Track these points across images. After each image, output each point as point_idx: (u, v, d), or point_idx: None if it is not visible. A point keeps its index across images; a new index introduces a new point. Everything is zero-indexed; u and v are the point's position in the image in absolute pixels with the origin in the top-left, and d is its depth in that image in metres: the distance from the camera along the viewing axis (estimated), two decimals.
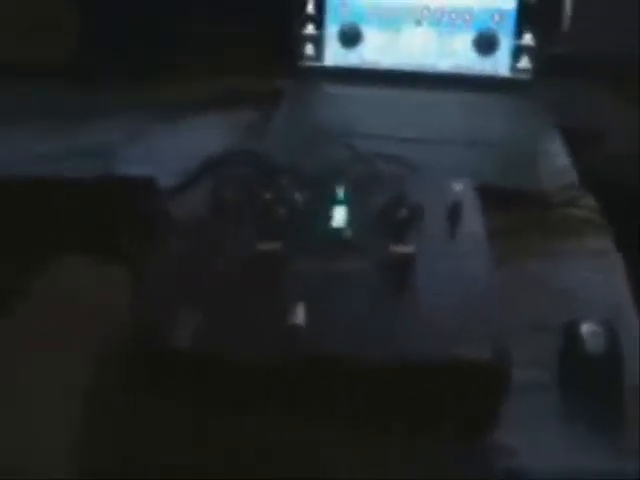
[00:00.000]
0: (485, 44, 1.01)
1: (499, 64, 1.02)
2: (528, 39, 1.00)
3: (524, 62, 1.01)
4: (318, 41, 1.04)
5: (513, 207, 0.82)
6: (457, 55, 1.02)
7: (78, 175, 0.88)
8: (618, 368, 0.64)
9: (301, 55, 1.04)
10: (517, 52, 1.00)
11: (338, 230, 0.68)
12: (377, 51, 1.03)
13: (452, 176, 0.80)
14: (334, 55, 1.04)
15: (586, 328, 0.66)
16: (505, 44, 1.01)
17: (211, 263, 0.65)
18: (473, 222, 0.70)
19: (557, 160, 0.91)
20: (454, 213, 0.70)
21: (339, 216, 0.70)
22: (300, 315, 0.59)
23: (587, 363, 0.64)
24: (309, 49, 1.04)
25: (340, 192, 0.73)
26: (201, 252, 0.67)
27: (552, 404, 0.63)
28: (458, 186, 0.75)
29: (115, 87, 1.05)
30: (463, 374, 0.57)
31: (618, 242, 0.80)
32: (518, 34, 1.00)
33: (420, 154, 0.88)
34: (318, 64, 1.04)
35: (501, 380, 0.57)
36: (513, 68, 1.01)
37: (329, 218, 0.70)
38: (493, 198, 0.78)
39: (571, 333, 0.67)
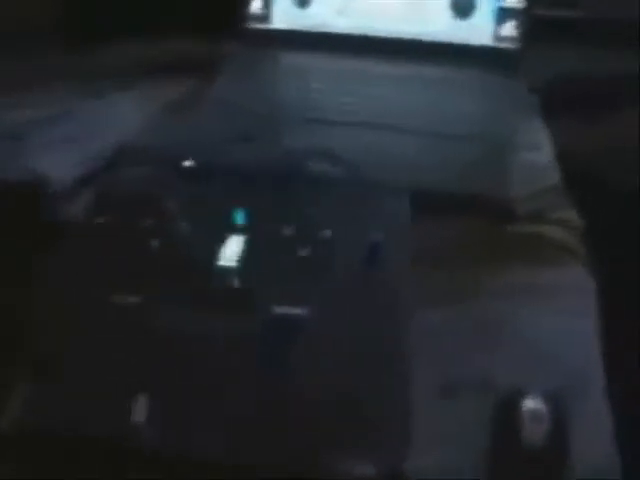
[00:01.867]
0: (463, 5, 0.83)
1: (478, 30, 0.84)
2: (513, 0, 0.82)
3: (508, 28, 0.83)
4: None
5: (467, 221, 0.67)
6: (429, 19, 0.85)
7: None
8: (560, 464, 0.50)
9: (246, 15, 0.88)
10: (501, 16, 0.83)
11: (225, 272, 0.55)
12: (334, 12, 0.86)
13: (393, 178, 0.66)
14: (284, 15, 0.88)
15: (527, 406, 0.52)
16: (486, 6, 0.83)
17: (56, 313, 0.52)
18: (396, 259, 0.56)
19: (537, 156, 0.75)
20: (373, 251, 0.56)
21: (231, 251, 0.57)
22: (142, 408, 0.46)
23: (520, 452, 0.51)
24: (255, 7, 0.88)
25: (237, 216, 0.59)
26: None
27: None
28: (388, 204, 0.60)
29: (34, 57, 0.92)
30: None
31: (598, 276, 0.64)
32: None
33: (364, 146, 0.72)
34: (265, 26, 0.88)
35: None
36: (495, 35, 0.84)
37: (217, 254, 0.56)
38: (440, 210, 0.64)
39: (507, 410, 0.53)
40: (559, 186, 0.71)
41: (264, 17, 0.88)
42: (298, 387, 0.47)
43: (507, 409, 0.52)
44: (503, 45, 0.83)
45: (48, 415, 0.47)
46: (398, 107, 0.79)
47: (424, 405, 0.49)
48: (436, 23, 0.84)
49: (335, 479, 0.43)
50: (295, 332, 0.49)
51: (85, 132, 0.83)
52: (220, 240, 0.56)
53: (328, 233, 0.56)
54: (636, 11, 0.82)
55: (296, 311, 0.50)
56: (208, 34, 0.90)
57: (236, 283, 0.53)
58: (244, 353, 0.49)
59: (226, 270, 0.54)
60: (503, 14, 0.82)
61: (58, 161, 0.78)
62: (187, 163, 0.72)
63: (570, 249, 0.66)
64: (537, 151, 0.75)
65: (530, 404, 0.52)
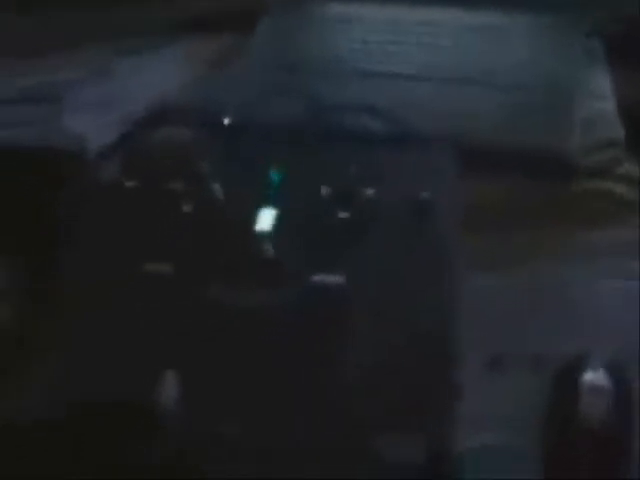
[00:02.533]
0: None
1: None
2: None
3: None
4: None
5: (524, 178, 0.62)
6: None
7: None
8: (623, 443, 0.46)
9: None
10: None
11: (260, 238, 0.52)
12: None
13: (441, 132, 0.61)
14: None
15: (587, 379, 0.48)
16: None
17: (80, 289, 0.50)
18: (445, 219, 0.52)
19: (600, 105, 0.69)
20: (419, 212, 0.52)
21: (266, 215, 0.53)
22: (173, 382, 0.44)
23: (580, 433, 0.47)
24: None
25: (274, 177, 0.55)
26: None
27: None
28: (437, 159, 0.56)
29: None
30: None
31: None
32: None
33: (411, 101, 0.68)
34: None
35: None
36: None
37: (252, 219, 0.53)
38: (498, 166, 0.59)
39: (566, 385, 0.49)
40: (623, 139, 0.66)
41: None
42: (339, 365, 0.44)
43: (564, 382, 0.48)
44: None
45: (78, 386, 0.45)
46: (448, 56, 0.74)
47: (471, 380, 0.46)
48: None
49: (379, 462, 0.40)
50: (336, 302, 0.46)
51: (123, 92, 0.81)
52: (256, 203, 0.53)
53: (370, 192, 0.52)
54: None
55: (336, 280, 0.46)
56: None
57: (273, 249, 0.50)
58: (281, 326, 0.46)
59: (262, 235, 0.51)
60: None
61: (96, 122, 0.76)
62: (225, 121, 0.70)
63: (635, 206, 0.61)
64: (600, 100, 0.69)
65: (590, 376, 0.48)
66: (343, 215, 0.51)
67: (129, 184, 0.55)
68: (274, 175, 0.55)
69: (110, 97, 0.80)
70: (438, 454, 0.40)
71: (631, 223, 0.59)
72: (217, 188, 0.54)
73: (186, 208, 0.53)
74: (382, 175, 0.54)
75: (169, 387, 0.44)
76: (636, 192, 0.62)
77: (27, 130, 0.76)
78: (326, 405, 0.43)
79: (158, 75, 0.82)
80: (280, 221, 0.52)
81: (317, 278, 0.46)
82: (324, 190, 0.53)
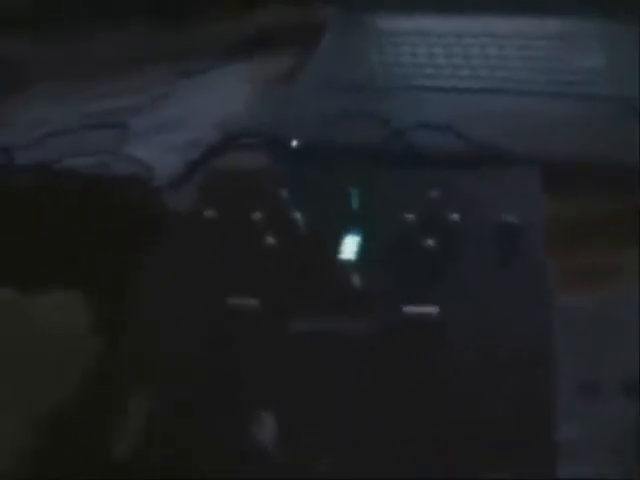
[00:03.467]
0: None
1: None
2: None
3: None
4: None
5: (597, 193, 0.60)
6: None
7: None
8: None
9: None
10: None
11: (346, 267, 0.51)
12: None
13: (518, 150, 0.61)
14: None
15: None
16: None
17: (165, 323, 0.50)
18: (531, 242, 0.51)
19: None
20: (505, 235, 0.51)
21: (350, 242, 0.53)
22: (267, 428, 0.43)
23: None
24: None
25: (354, 203, 0.55)
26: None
27: None
28: (516, 180, 0.55)
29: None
30: None
31: None
32: None
33: (483, 116, 0.67)
34: None
35: None
36: None
37: (336, 247, 0.53)
38: (570, 182, 0.58)
39: None
40: None
41: None
42: (433, 395, 0.43)
43: None
44: None
45: (167, 425, 0.44)
46: (516, 68, 0.72)
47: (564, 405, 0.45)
48: None
49: None
50: (428, 333, 0.45)
51: (187, 115, 0.81)
52: (338, 231, 0.53)
53: (455, 217, 0.51)
54: None
55: (427, 310, 0.46)
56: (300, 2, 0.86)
57: (359, 279, 0.49)
58: (372, 357, 0.45)
59: (347, 265, 0.50)
60: None
61: (161, 148, 0.76)
62: (295, 143, 0.69)
63: None
64: None
65: None
66: (429, 241, 0.50)
67: (208, 214, 0.55)
68: (355, 200, 0.54)
69: (174, 121, 0.80)
70: None
71: None
72: (297, 216, 0.53)
73: (268, 238, 0.52)
74: (465, 198, 0.53)
75: (264, 424, 0.43)
76: None
77: (93, 158, 0.77)
78: (423, 436, 0.42)
79: (222, 96, 0.82)
80: (364, 249, 0.51)
81: (409, 308, 0.46)
82: (408, 216, 0.52)
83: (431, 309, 0.45)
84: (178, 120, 0.80)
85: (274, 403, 0.43)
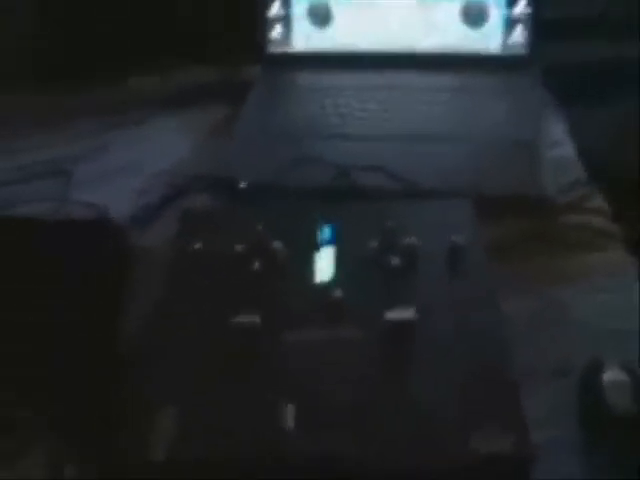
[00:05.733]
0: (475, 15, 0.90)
1: (490, 39, 0.91)
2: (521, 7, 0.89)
3: (517, 35, 0.90)
4: (286, 22, 0.92)
5: (511, 218, 0.73)
6: (443, 31, 0.91)
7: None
8: None
9: (267, 40, 0.93)
10: (509, 24, 0.90)
11: (325, 286, 0.60)
12: (351, 31, 0.92)
13: (442, 186, 0.73)
14: (304, 38, 0.93)
15: (608, 377, 0.59)
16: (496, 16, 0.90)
17: (176, 342, 0.57)
18: (474, 258, 0.62)
19: (559, 151, 0.82)
20: (453, 253, 0.62)
21: (324, 267, 0.62)
22: (288, 414, 0.51)
23: (610, 419, 0.58)
24: (276, 32, 0.93)
25: (324, 232, 0.64)
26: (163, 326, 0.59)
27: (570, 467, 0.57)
28: (453, 210, 0.67)
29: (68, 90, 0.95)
30: (476, 473, 0.50)
31: (635, 252, 0.72)
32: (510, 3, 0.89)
33: (405, 157, 0.78)
34: (286, 49, 0.93)
35: (523, 477, 0.50)
36: (505, 42, 0.90)
37: (312, 270, 0.62)
38: (489, 210, 0.70)
39: (591, 384, 0.60)
40: (584, 177, 0.79)
41: (284, 41, 0.93)
42: (424, 382, 0.53)
43: (590, 383, 0.59)
44: (513, 51, 0.90)
45: (188, 454, 0.50)
46: (427, 117, 0.85)
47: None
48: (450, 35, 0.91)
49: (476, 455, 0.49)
50: (408, 334, 0.55)
51: (131, 163, 0.86)
52: (312, 255, 0.62)
53: (412, 240, 0.62)
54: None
55: (406, 315, 0.56)
56: (229, 61, 0.95)
57: (338, 294, 0.58)
58: (365, 358, 0.55)
59: (326, 285, 0.60)
60: (512, 22, 0.89)
61: (113, 194, 0.81)
62: (243, 185, 0.78)
63: (604, 232, 0.74)
64: (560, 146, 0.82)
65: (610, 375, 0.59)
66: (392, 260, 0.60)
67: (196, 246, 0.63)
68: (325, 231, 0.63)
69: (119, 169, 0.86)
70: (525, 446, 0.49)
71: (607, 248, 0.72)
72: (278, 245, 0.62)
73: (254, 265, 0.61)
74: (415, 224, 0.64)
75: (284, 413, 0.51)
76: (603, 220, 0.75)
77: (42, 205, 0.81)
78: (406, 417, 0.51)
79: (161, 146, 0.89)
80: (338, 270, 0.61)
81: (391, 315, 0.56)
82: (372, 243, 0.62)
83: (409, 314, 0.56)
84: (122, 168, 0.85)
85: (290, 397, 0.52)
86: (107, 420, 0.54)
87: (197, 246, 0.63)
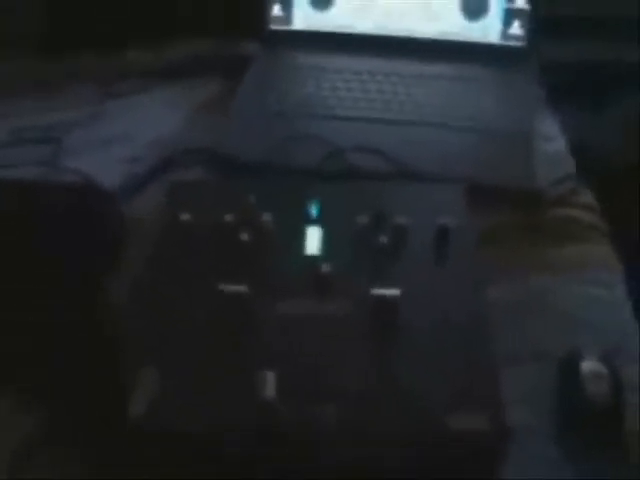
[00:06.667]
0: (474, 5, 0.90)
1: (489, 30, 0.91)
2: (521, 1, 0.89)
3: (515, 27, 0.90)
4: (286, 2, 0.92)
5: (503, 208, 0.74)
6: (442, 19, 0.91)
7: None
8: (619, 413, 0.58)
9: (268, 18, 0.93)
10: (508, 16, 0.90)
11: (313, 259, 0.61)
12: (351, 14, 0.92)
13: (436, 172, 0.74)
14: (304, 18, 0.93)
15: (587, 368, 0.60)
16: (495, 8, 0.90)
17: (163, 308, 0.57)
18: (462, 242, 0.63)
19: (551, 146, 0.83)
20: (442, 236, 0.63)
21: (313, 241, 0.62)
22: (270, 384, 0.52)
23: (587, 409, 0.58)
24: (277, 10, 0.93)
25: (313, 208, 0.64)
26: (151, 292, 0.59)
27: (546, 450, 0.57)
28: (445, 194, 0.67)
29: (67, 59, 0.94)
30: (453, 449, 0.50)
31: (620, 248, 0.73)
32: None
33: (399, 141, 0.78)
34: (286, 27, 0.93)
35: (497, 454, 0.51)
36: (504, 34, 0.91)
37: (302, 243, 0.62)
38: (481, 199, 0.70)
39: (570, 373, 0.60)
40: (575, 172, 0.79)
41: (285, 19, 0.93)
42: (406, 359, 0.54)
43: (569, 372, 0.60)
44: (511, 43, 0.91)
45: (170, 410, 0.51)
46: (422, 104, 0.85)
47: None
48: (449, 24, 0.91)
49: (453, 432, 0.50)
50: (392, 311, 0.56)
51: (123, 133, 0.86)
52: (301, 230, 0.62)
53: (402, 220, 0.62)
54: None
55: (392, 293, 0.56)
56: (230, 36, 0.95)
57: (326, 269, 0.58)
58: (350, 332, 0.55)
59: (314, 258, 0.60)
60: (511, 15, 0.90)
61: (102, 162, 0.81)
62: (237, 160, 0.78)
63: (592, 226, 0.74)
64: (552, 141, 0.83)
65: (589, 366, 0.59)
66: (381, 238, 0.61)
67: (184, 216, 0.63)
68: (315, 207, 0.64)
69: (111, 138, 0.85)
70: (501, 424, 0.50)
71: (589, 240, 0.73)
72: (267, 217, 0.62)
73: (242, 236, 0.61)
74: (405, 205, 0.64)
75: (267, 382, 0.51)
76: (591, 215, 0.75)
77: (29, 170, 0.81)
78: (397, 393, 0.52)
79: (154, 118, 0.89)
80: (326, 245, 0.61)
81: (375, 290, 0.56)
82: (361, 218, 0.62)
83: (394, 291, 0.56)
84: (114, 137, 0.85)
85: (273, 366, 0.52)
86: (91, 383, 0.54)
87: (185, 217, 0.63)
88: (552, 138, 0.83)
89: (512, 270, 0.69)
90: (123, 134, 0.86)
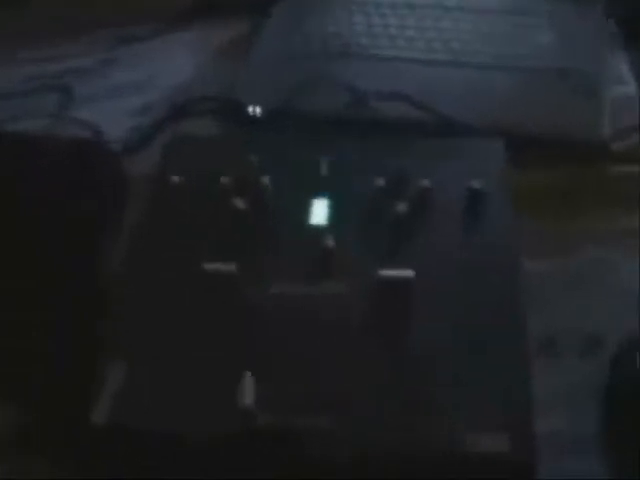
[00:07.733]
0: None
1: None
2: None
3: None
4: None
5: (555, 165, 0.63)
6: None
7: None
8: None
9: None
10: None
11: (317, 231, 0.52)
12: None
13: (473, 122, 0.63)
14: None
15: None
16: None
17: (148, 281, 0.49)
18: (499, 210, 0.52)
19: (620, 90, 0.70)
20: (473, 202, 0.52)
21: (319, 208, 0.53)
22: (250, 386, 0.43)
23: None
24: None
25: (323, 167, 0.55)
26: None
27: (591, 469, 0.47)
28: (481, 151, 0.57)
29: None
30: (473, 471, 0.41)
31: None
32: None
33: (434, 86, 0.68)
34: None
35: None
36: None
37: (306, 211, 0.53)
38: (526, 153, 0.59)
39: (626, 368, 0.50)
40: None
41: None
42: (413, 355, 0.44)
43: (625, 366, 0.49)
44: None
45: (143, 401, 0.43)
46: (469, 41, 0.74)
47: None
48: None
49: (467, 454, 0.41)
50: (403, 294, 0.46)
51: (136, 80, 0.79)
52: (308, 195, 0.53)
53: (425, 183, 0.52)
54: None
55: (403, 273, 0.47)
56: None
57: (331, 244, 0.49)
58: (350, 318, 0.46)
59: (319, 230, 0.51)
60: None
61: (113, 112, 0.74)
62: (252, 110, 0.69)
63: None
64: (624, 85, 0.71)
65: None
66: (400, 206, 0.51)
67: (175, 179, 0.55)
68: (324, 167, 0.54)
69: (123, 86, 0.78)
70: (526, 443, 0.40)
71: None
72: (266, 181, 0.53)
73: (237, 202, 0.52)
74: (432, 165, 0.54)
75: (247, 385, 0.43)
76: None
77: (37, 122, 0.74)
78: (403, 395, 0.43)
79: (170, 63, 0.80)
80: (335, 214, 0.52)
81: (385, 271, 0.47)
82: (378, 182, 0.53)
83: (406, 272, 0.46)
84: (127, 85, 0.78)
85: (258, 363, 0.44)
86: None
87: (175, 179, 0.55)
88: (622, 81, 0.71)
89: (563, 241, 0.58)
90: (139, 81, 0.78)
